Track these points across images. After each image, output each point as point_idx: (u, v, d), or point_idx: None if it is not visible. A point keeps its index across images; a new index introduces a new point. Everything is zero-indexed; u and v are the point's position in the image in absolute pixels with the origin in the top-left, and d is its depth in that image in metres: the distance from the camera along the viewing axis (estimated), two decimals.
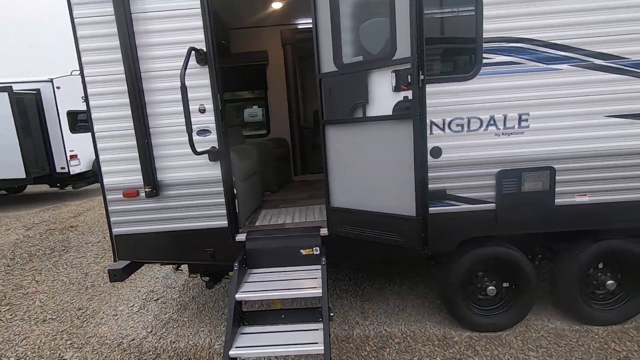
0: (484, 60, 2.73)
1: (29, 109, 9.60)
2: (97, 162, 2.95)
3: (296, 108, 5.97)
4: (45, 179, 10.35)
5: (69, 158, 10.11)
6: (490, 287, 3.14)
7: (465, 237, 2.98)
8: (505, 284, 3.19)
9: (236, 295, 2.63)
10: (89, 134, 10.06)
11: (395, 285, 4.21)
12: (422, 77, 2.19)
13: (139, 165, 2.90)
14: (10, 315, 4.23)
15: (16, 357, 3.40)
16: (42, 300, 4.53)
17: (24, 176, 9.26)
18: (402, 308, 3.73)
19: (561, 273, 3.10)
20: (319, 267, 2.95)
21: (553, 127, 2.79)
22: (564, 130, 2.79)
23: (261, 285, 2.77)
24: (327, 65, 2.63)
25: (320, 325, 2.58)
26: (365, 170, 2.56)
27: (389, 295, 4.01)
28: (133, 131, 2.85)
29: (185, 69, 2.54)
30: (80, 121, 10.45)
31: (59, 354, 3.38)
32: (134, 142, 2.88)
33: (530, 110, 2.79)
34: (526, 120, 2.81)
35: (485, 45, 2.71)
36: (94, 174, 10.94)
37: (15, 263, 5.94)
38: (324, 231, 3.04)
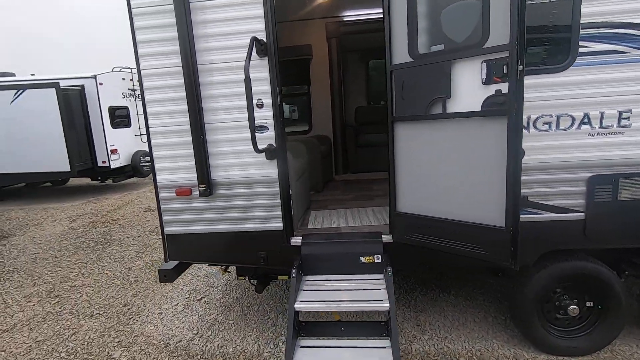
0: (580, 50, 2.38)
1: (73, 104, 9.91)
2: (150, 159, 2.84)
3: (340, 104, 5.74)
4: (87, 173, 10.68)
5: (109, 152, 10.38)
6: (572, 307, 2.79)
7: (547, 249, 2.65)
8: (588, 303, 2.83)
9: (295, 305, 2.44)
10: (128, 129, 10.27)
11: (450, 295, 3.91)
12: (520, 67, 1.89)
13: (192, 163, 2.77)
14: (60, 307, 4.27)
15: (67, 352, 3.38)
16: (88, 294, 4.56)
17: (69, 169, 9.57)
18: (462, 322, 3.43)
19: None
20: (380, 276, 2.71)
21: None
22: None
23: (320, 295, 2.57)
24: (400, 55, 2.38)
25: (386, 343, 2.35)
26: (442, 173, 2.29)
27: (445, 306, 3.71)
28: (188, 127, 2.72)
29: (250, 59, 2.36)
30: (118, 117, 10.71)
31: (108, 352, 3.33)
32: (189, 139, 2.75)
33: (633, 107, 2.42)
34: (627, 118, 2.44)
35: (582, 31, 2.36)
36: (132, 169, 11.21)
37: (62, 255, 6.09)
38: (386, 237, 2.79)
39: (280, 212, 2.80)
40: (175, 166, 2.83)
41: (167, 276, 3.02)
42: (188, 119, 2.71)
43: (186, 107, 2.69)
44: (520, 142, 1.98)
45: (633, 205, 2.49)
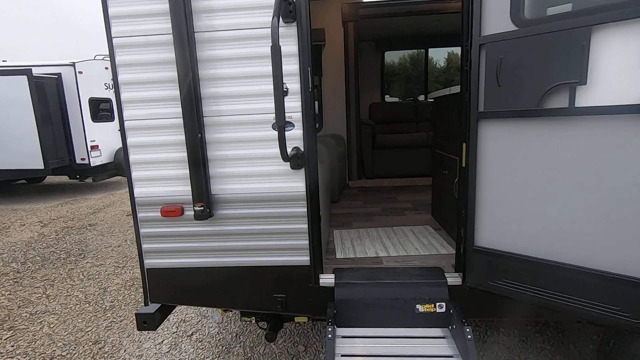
0: None
1: (49, 95, 8.94)
2: (126, 165, 2.03)
3: (355, 99, 4.97)
4: (65, 171, 9.70)
5: (89, 149, 9.44)
6: None
7: None
8: None
9: None
10: (111, 123, 9.19)
11: (500, 334, 3.19)
12: None
13: (185, 172, 1.97)
14: (12, 345, 3.41)
15: None
16: (51, 325, 3.70)
17: (42, 167, 8.60)
18: None
19: None
20: (444, 332, 1.96)
21: None
22: None
23: None
24: (496, 22, 1.62)
25: None
26: (565, 197, 1.54)
27: (497, 350, 2.99)
28: (180, 120, 1.91)
29: (279, 19, 1.56)
30: (99, 110, 9.76)
31: None
32: (181, 137, 1.95)
33: None
34: None
35: None
36: (115, 167, 10.26)
37: (26, 269, 5.18)
38: (452, 278, 2.04)
39: (308, 241, 2.03)
40: (160, 175, 2.02)
41: (147, 323, 2.22)
42: (180, 109, 1.90)
43: (177, 92, 1.89)
44: None
45: None
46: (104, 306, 4.06)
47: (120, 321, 3.74)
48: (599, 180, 1.44)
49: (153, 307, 2.25)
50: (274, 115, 1.92)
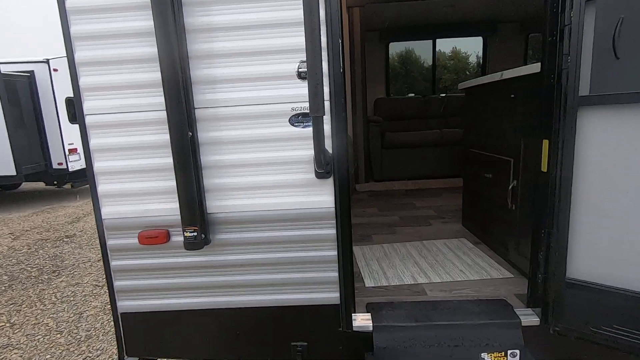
0: None
1: (20, 95, 8.23)
2: (89, 175, 1.49)
3: (362, 93, 4.48)
4: (40, 176, 8.98)
5: (67, 152, 8.75)
6: None
7: None
8: None
9: None
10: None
11: None
12: None
13: (171, 184, 1.44)
14: None
15: None
16: None
17: (14, 173, 7.89)
18: None
19: None
20: None
21: None
22: None
23: None
24: None
25: None
26: None
27: None
28: (162, 114, 1.39)
29: None
30: (73, 111, 9.07)
31: None
32: (163, 137, 1.42)
33: None
34: None
35: None
36: None
37: None
38: (526, 317, 1.56)
39: (337, 273, 1.52)
40: (136, 189, 1.49)
41: None
42: (162, 98, 1.38)
43: (158, 75, 1.36)
44: None
45: None
46: (78, 337, 3.47)
47: (97, 357, 3.16)
48: None
49: None
50: (290, 105, 1.41)
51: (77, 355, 3.18)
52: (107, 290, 3.76)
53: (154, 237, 1.50)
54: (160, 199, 1.49)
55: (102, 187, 1.49)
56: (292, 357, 1.61)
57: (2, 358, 3.19)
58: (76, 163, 9.04)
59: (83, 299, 4.24)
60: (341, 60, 1.38)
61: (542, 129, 1.43)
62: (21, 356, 3.21)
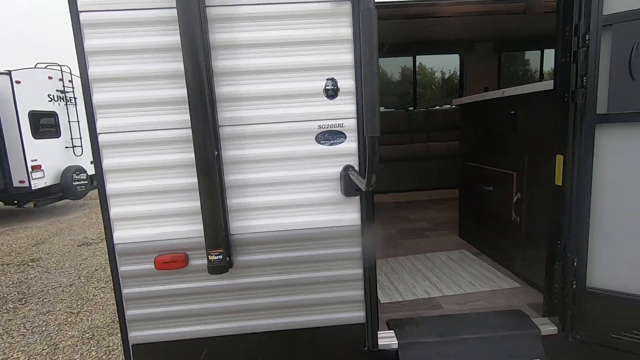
0: None
1: None
2: (101, 197, 1.39)
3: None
4: (0, 195, 8.34)
5: (30, 169, 8.19)
6: None
7: None
8: None
9: None
10: (56, 140, 8.02)
11: None
12: None
13: (188, 205, 1.38)
14: None
15: None
16: None
17: None
18: None
19: None
20: None
21: None
22: None
23: None
24: None
25: None
26: None
27: None
28: (180, 132, 1.33)
29: None
30: (42, 125, 8.58)
31: None
32: (182, 156, 1.36)
33: None
34: None
35: None
36: (62, 189, 9.00)
37: None
38: (545, 326, 1.60)
39: (362, 292, 1.50)
40: (153, 211, 1.40)
41: None
42: (181, 117, 1.32)
43: (178, 92, 1.31)
44: None
45: None
46: None
47: None
48: None
49: None
50: (317, 122, 1.40)
51: None
52: (84, 316, 3.49)
53: (171, 261, 1.41)
54: (178, 221, 1.42)
55: (114, 210, 1.40)
56: None
57: None
58: (40, 181, 8.48)
59: (57, 328, 3.92)
60: (376, 74, 1.39)
61: (555, 144, 1.49)
62: None
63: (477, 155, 2.56)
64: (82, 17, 1.28)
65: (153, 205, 1.40)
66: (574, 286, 1.46)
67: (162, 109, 1.35)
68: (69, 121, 9.33)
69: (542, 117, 1.73)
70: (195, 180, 1.33)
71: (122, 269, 1.43)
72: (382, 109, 6.14)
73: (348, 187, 1.41)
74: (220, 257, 1.34)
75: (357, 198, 1.44)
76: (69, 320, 4.11)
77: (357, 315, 1.53)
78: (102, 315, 4.16)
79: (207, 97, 1.28)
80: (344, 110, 1.40)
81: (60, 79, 9.03)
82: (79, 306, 4.42)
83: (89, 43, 1.30)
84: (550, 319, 1.63)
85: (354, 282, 1.50)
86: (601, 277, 1.41)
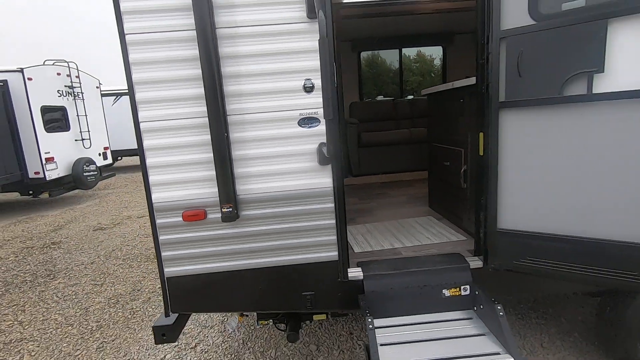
0: None
1: None
2: (142, 169, 1.91)
3: (339, 99, 5.02)
4: (16, 186, 8.87)
5: (44, 161, 8.71)
6: None
7: None
8: None
9: None
10: (66, 133, 8.65)
11: (511, 315, 3.37)
12: None
13: (207, 174, 1.91)
14: None
15: None
16: (32, 353, 3.38)
17: None
18: (530, 350, 2.89)
19: None
20: (470, 314, 2.06)
21: None
22: None
23: (406, 353, 1.84)
24: (515, 17, 1.74)
25: None
26: (584, 177, 1.68)
27: (518, 328, 3.15)
28: (201, 120, 1.85)
29: (325, 12, 1.56)
30: (54, 120, 9.06)
31: None
32: (201, 138, 1.88)
33: None
34: None
35: None
36: (74, 179, 9.54)
37: None
38: (473, 262, 2.14)
39: (336, 237, 2.03)
40: (180, 179, 1.93)
41: (166, 336, 2.11)
42: (201, 109, 1.84)
43: (196, 91, 1.82)
44: None
45: None
46: (89, 327, 3.76)
47: (112, 341, 3.49)
48: (617, 161, 1.60)
49: (171, 318, 2.15)
50: (298, 111, 1.91)
51: (93, 342, 3.49)
52: (107, 287, 4.07)
53: (195, 215, 1.94)
54: (199, 186, 1.94)
55: (152, 178, 1.92)
56: (304, 304, 2.10)
57: (20, 349, 3.45)
58: (53, 172, 9.00)
59: (85, 296, 4.50)
60: (335, 77, 1.90)
61: (479, 124, 2.01)
62: (38, 346, 3.48)
63: (439, 137, 3.07)
64: (128, 38, 1.79)
65: (180, 174, 1.93)
66: (490, 229, 1.99)
67: (186, 103, 1.86)
68: (78, 115, 9.80)
69: (475, 104, 2.24)
70: (211, 155, 1.85)
71: (158, 221, 1.97)
72: (381, 97, 6.60)
73: (322, 159, 1.93)
74: (230, 209, 1.88)
75: (330, 167, 1.96)
76: (94, 290, 4.69)
77: (332, 254, 2.07)
78: (123, 286, 4.74)
79: (219, 94, 1.79)
80: (317, 102, 1.90)
81: (67, 75, 9.48)
82: (102, 279, 5.00)
83: (132, 57, 1.81)
84: (478, 257, 2.16)
85: (329, 230, 2.03)
86: (507, 220, 1.94)
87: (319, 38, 1.46)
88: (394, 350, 1.83)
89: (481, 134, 1.99)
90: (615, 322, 2.37)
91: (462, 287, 2.09)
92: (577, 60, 1.60)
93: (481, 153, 2.01)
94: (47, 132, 8.86)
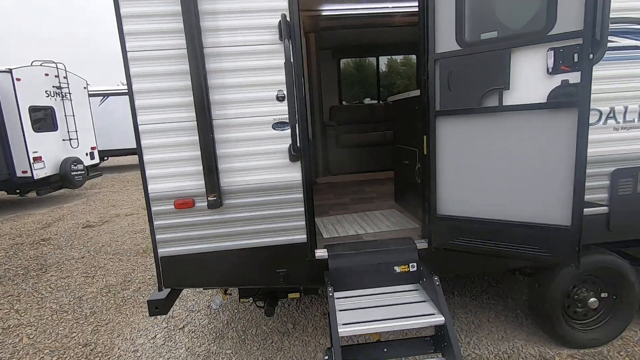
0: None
1: None
2: (140, 164, 2.27)
3: (318, 103, 5.44)
4: (3, 185, 8.99)
5: (32, 161, 8.85)
6: (592, 299, 2.83)
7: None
8: (603, 294, 2.89)
9: (340, 330, 2.08)
10: (54, 133, 8.95)
11: (455, 296, 3.83)
12: (591, 55, 1.78)
13: (195, 168, 2.27)
14: None
15: None
16: (31, 336, 3.66)
17: None
18: (477, 324, 3.34)
19: None
20: (416, 286, 2.48)
21: None
22: None
23: (360, 315, 2.24)
24: (446, 43, 2.17)
25: (438, 357, 2.12)
26: (497, 171, 2.12)
27: (454, 309, 3.60)
28: (190, 124, 2.22)
29: (289, 40, 1.95)
30: (41, 119, 9.20)
31: None
32: (190, 138, 2.25)
33: None
34: None
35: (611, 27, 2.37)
36: (61, 178, 9.69)
37: None
38: (420, 244, 2.56)
39: (305, 222, 2.42)
40: (172, 172, 2.29)
41: (159, 308, 2.46)
42: (190, 114, 2.21)
43: (187, 99, 2.19)
44: (587, 135, 1.87)
45: None
46: (84, 313, 4.06)
47: (106, 324, 3.80)
48: (520, 158, 2.04)
49: (164, 293, 2.50)
50: (272, 117, 2.30)
51: (88, 325, 3.79)
52: (99, 279, 4.45)
53: (184, 203, 2.31)
54: (189, 179, 2.30)
55: (149, 172, 2.28)
56: (277, 280, 2.49)
57: (19, 333, 3.72)
58: (41, 171, 9.14)
59: (78, 287, 4.78)
60: (303, 89, 2.29)
61: (423, 128, 2.43)
62: (36, 330, 3.76)
63: (401, 139, 3.50)
64: (129, 55, 2.15)
65: (173, 169, 2.29)
66: (432, 215, 2.41)
67: (178, 109, 2.22)
68: (65, 115, 9.95)
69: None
70: (199, 153, 2.22)
71: (154, 209, 2.32)
72: (367, 100, 7.00)
73: (292, 157, 2.32)
74: (215, 198, 2.25)
75: (299, 163, 2.35)
76: (86, 281, 4.97)
77: (302, 237, 2.45)
78: (114, 277, 5.03)
79: (206, 102, 2.16)
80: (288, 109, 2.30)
81: (55, 76, 9.64)
82: (94, 272, 5.28)
83: (133, 70, 2.16)
84: (424, 240, 2.59)
85: (299, 216, 2.42)
86: (444, 207, 2.36)
87: (284, 61, 1.85)
88: (350, 314, 2.23)
89: (425, 137, 2.42)
90: (542, 296, 2.83)
91: (410, 264, 2.51)
92: (491, 79, 2.04)
93: (425, 152, 2.44)
94: (35, 131, 9.00)
